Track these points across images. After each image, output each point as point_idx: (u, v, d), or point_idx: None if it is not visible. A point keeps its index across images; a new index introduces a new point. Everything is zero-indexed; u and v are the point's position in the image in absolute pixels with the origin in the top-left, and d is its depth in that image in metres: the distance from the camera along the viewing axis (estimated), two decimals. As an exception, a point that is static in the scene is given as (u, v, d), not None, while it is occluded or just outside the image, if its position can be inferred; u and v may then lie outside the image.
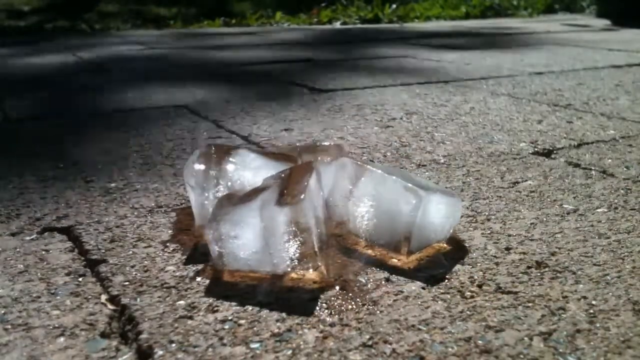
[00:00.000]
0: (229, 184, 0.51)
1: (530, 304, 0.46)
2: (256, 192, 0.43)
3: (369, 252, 0.55)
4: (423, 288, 0.49)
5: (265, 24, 3.83)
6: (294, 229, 0.41)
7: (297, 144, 0.72)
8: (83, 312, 0.45)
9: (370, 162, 0.63)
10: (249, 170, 0.52)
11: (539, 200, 0.69)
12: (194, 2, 4.28)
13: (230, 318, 0.44)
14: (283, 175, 0.45)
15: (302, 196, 0.40)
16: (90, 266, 0.53)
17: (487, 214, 0.65)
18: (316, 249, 0.42)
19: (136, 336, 0.42)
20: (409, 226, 0.51)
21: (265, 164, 0.53)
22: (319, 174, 0.48)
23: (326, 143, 0.69)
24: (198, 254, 0.55)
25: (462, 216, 0.64)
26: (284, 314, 0.45)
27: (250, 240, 0.43)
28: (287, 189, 0.41)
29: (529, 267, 0.52)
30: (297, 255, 0.43)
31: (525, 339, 0.42)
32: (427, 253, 0.54)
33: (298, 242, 0.42)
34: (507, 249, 0.56)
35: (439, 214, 0.54)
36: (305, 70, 1.81)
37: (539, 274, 0.51)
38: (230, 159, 0.52)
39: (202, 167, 0.53)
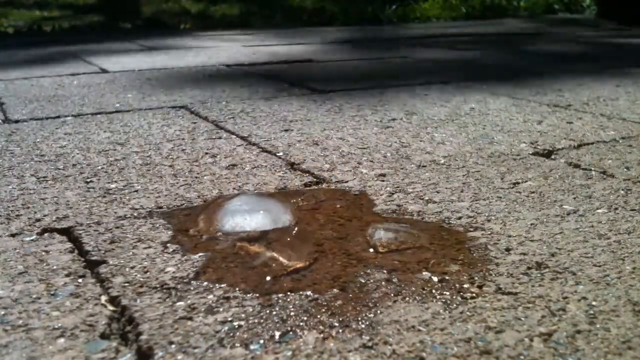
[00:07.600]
0: (219, 228, 0.61)
1: (530, 305, 0.46)
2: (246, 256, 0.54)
3: (372, 256, 0.55)
4: (423, 289, 0.49)
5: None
6: None
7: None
8: (83, 313, 0.45)
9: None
10: (240, 216, 0.63)
11: (539, 201, 0.69)
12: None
13: (229, 319, 0.44)
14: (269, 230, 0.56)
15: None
16: (90, 267, 0.53)
17: (487, 214, 0.65)
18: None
19: (136, 337, 0.42)
20: None
21: (258, 207, 0.65)
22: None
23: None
24: (198, 254, 0.55)
25: (461, 217, 0.64)
26: (283, 315, 0.45)
27: None
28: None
29: (529, 268, 0.52)
30: None
31: (526, 339, 0.42)
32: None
33: None
34: (507, 249, 0.56)
35: None
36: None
37: (539, 275, 0.51)
38: (225, 207, 0.64)
39: (201, 216, 0.64)
